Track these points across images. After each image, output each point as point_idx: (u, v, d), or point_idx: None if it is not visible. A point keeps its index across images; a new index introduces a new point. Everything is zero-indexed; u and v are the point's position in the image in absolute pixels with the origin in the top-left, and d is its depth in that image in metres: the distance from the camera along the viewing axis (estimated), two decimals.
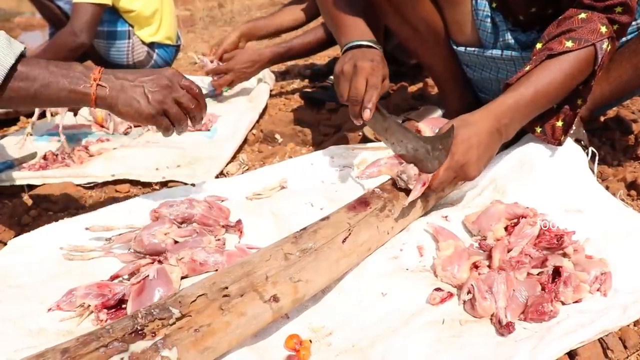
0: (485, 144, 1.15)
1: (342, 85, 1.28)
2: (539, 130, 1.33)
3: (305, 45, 2.40)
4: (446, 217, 1.23)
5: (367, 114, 1.21)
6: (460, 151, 1.12)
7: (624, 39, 1.36)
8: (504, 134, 1.20)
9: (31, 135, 1.52)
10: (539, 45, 1.26)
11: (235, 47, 2.44)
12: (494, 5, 1.45)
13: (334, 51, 3.47)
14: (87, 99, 1.11)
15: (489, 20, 1.47)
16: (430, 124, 1.37)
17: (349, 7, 1.45)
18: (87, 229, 1.23)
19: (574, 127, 1.32)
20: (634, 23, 1.36)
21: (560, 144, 1.32)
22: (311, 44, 2.41)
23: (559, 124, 1.31)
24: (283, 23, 2.61)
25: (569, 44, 1.19)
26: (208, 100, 2.39)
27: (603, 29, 1.20)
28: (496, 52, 1.50)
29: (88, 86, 1.10)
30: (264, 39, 2.71)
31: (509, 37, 1.47)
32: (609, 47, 1.21)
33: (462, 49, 1.58)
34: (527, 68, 1.22)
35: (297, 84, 2.82)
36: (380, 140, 1.65)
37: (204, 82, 2.70)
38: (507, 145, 1.41)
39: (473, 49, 1.55)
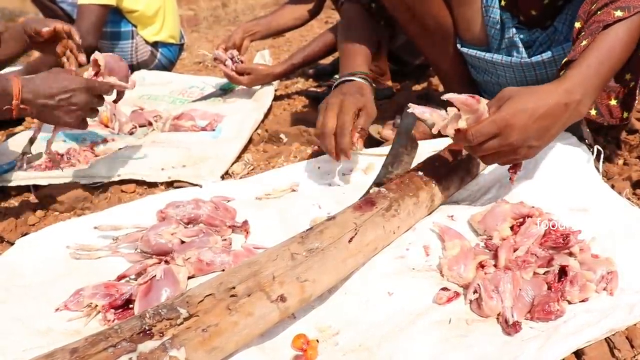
0: (545, 115, 1.05)
1: (318, 122, 1.39)
2: (594, 112, 1.26)
3: (314, 55, 2.43)
4: (452, 216, 1.23)
5: (344, 157, 1.34)
6: (510, 110, 1.03)
7: None
8: (576, 110, 1.09)
9: (28, 154, 1.58)
10: (578, 25, 1.19)
11: (240, 46, 2.45)
12: (502, 3, 1.45)
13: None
14: (8, 115, 1.26)
15: (497, 17, 1.47)
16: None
17: (356, 35, 1.57)
18: (95, 227, 1.24)
19: (637, 101, 1.24)
20: None
21: (622, 121, 1.26)
22: (319, 53, 2.44)
23: (613, 102, 1.26)
24: (287, 22, 2.62)
25: (618, 13, 1.12)
26: (214, 100, 2.40)
27: None
28: (497, 57, 1.50)
29: (10, 108, 1.25)
30: (267, 38, 2.72)
31: (514, 36, 1.47)
32: None
33: (465, 50, 1.58)
34: (585, 42, 1.14)
35: (301, 83, 2.82)
36: (385, 140, 1.65)
37: (206, 83, 2.71)
38: None
39: (475, 52, 1.55)
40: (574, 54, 1.14)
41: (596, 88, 1.12)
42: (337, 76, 1.50)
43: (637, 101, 1.24)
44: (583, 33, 1.16)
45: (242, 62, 2.38)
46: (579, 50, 1.14)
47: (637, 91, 1.23)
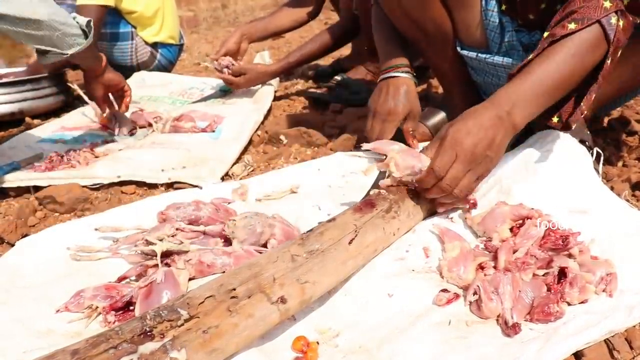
0: (486, 127, 1.11)
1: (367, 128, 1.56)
2: (556, 120, 1.28)
3: (311, 54, 2.44)
4: (451, 218, 1.23)
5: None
6: (454, 132, 1.11)
7: None
8: (509, 120, 1.14)
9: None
10: (545, 34, 1.20)
11: (238, 47, 2.45)
12: (503, 7, 1.46)
13: (337, 52, 3.48)
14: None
15: (497, 20, 1.47)
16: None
17: (387, 30, 1.63)
18: (96, 229, 1.24)
19: (584, 113, 1.25)
20: None
21: (567, 129, 1.28)
22: (316, 53, 2.44)
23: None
24: (285, 24, 2.63)
25: (572, 25, 1.14)
26: (214, 102, 2.41)
27: (607, 4, 1.13)
28: (497, 59, 1.51)
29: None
30: (265, 39, 2.73)
31: (514, 38, 1.48)
32: (621, 22, 1.14)
33: (465, 52, 1.58)
34: (530, 56, 1.18)
35: (301, 85, 2.82)
36: None
37: (206, 84, 2.72)
38: (513, 146, 1.42)
39: (475, 54, 1.55)
40: (516, 68, 1.19)
41: (531, 100, 1.15)
42: (385, 72, 1.60)
43: (582, 114, 1.23)
44: (539, 45, 1.19)
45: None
46: (521, 64, 1.18)
47: (587, 96, 1.21)
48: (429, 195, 1.16)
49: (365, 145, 1.25)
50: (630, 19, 1.17)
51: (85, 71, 1.85)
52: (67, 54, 1.57)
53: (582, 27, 1.13)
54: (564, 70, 1.15)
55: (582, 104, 1.21)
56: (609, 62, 1.16)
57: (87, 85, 1.92)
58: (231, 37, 2.46)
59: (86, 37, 1.61)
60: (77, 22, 1.57)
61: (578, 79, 1.19)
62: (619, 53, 1.19)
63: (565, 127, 1.27)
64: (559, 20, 1.18)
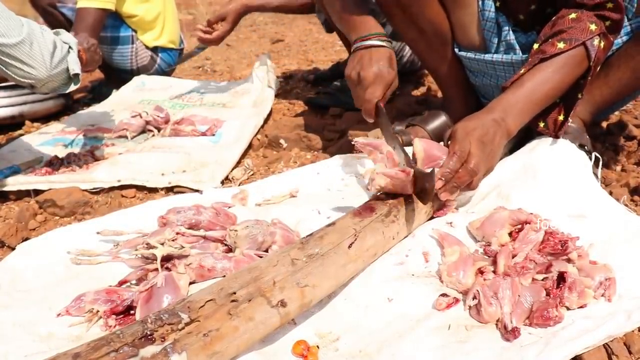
0: (485, 126, 1.24)
1: (351, 91, 1.47)
2: (542, 125, 1.39)
3: (284, 6, 2.54)
4: (451, 223, 1.23)
5: (369, 121, 1.44)
6: (460, 129, 1.24)
7: (619, 41, 1.39)
8: (503, 125, 1.27)
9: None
10: (535, 46, 1.34)
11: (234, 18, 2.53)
12: (497, 4, 1.47)
13: (337, 55, 3.49)
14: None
15: (493, 20, 1.49)
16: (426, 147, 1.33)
17: (357, 3, 1.54)
18: (98, 233, 1.24)
19: (570, 121, 1.38)
20: (627, 24, 1.38)
21: (557, 136, 1.38)
22: (291, 7, 2.55)
23: (561, 117, 1.37)
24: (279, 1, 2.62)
25: (561, 45, 1.28)
26: (214, 105, 2.42)
27: (592, 27, 1.27)
28: (497, 57, 1.51)
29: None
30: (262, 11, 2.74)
31: (511, 38, 1.49)
32: (602, 43, 1.29)
33: (463, 53, 1.59)
34: (522, 71, 1.31)
35: (300, 88, 2.83)
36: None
37: (205, 87, 2.73)
38: (511, 150, 1.43)
39: (474, 54, 1.56)
40: (509, 81, 1.33)
41: (522, 109, 1.31)
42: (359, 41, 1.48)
43: (568, 123, 1.38)
44: (529, 60, 1.32)
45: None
46: (514, 78, 1.32)
47: (572, 112, 1.36)
48: (454, 185, 1.20)
49: (357, 140, 1.34)
50: (611, 39, 1.31)
51: None
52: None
53: (570, 47, 1.28)
54: (552, 84, 1.30)
55: (569, 117, 1.36)
56: (589, 78, 1.32)
57: None
58: (231, 7, 2.49)
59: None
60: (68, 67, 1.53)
61: (562, 91, 1.34)
62: (604, 64, 1.38)
63: (556, 136, 1.38)
64: (549, 36, 1.31)
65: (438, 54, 1.65)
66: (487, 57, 1.53)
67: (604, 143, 1.71)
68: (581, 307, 0.95)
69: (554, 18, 1.34)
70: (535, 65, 1.30)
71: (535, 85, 1.29)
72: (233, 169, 1.74)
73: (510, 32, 1.49)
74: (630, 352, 0.88)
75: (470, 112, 1.60)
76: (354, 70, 1.43)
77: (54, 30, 1.52)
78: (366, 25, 1.49)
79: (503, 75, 1.55)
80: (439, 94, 2.34)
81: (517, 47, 1.49)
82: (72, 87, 1.56)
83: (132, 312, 1.01)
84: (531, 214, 1.15)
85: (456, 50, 1.61)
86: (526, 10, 1.47)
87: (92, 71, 1.81)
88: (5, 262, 1.19)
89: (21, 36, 1.34)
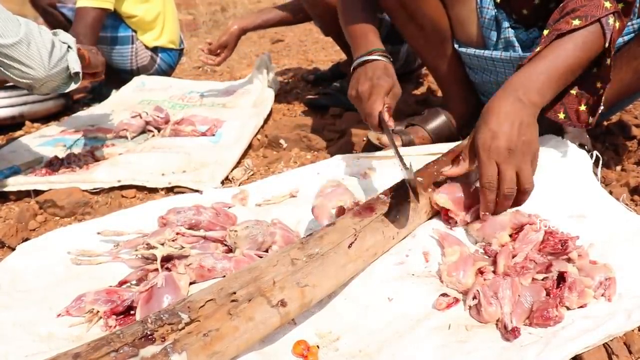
0: (508, 114, 1.13)
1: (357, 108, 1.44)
2: (562, 116, 1.30)
3: (277, 22, 2.62)
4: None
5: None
6: (480, 134, 1.13)
7: (621, 40, 1.36)
8: (526, 100, 1.16)
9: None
10: (546, 32, 1.24)
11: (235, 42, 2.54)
12: (498, 0, 1.47)
13: (337, 55, 3.50)
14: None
15: (492, 17, 1.48)
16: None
17: (359, 15, 1.53)
18: (98, 233, 1.24)
19: (601, 108, 1.28)
20: (630, 24, 1.36)
21: (588, 126, 1.29)
22: (280, 22, 2.62)
23: (582, 108, 1.29)
24: (276, 18, 2.65)
25: (576, 22, 1.19)
26: (214, 106, 2.42)
27: (607, 4, 1.19)
28: (496, 54, 1.51)
29: None
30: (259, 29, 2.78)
31: (511, 35, 1.48)
32: (617, 23, 1.20)
33: (463, 49, 1.59)
34: (538, 48, 1.21)
35: (300, 88, 2.83)
36: (384, 146, 1.66)
37: (205, 87, 2.73)
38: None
39: (474, 50, 1.56)
40: (525, 60, 1.22)
41: (544, 81, 1.18)
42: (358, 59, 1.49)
43: (600, 109, 1.27)
44: (543, 40, 1.23)
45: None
46: (531, 56, 1.21)
47: (602, 99, 1.26)
48: (502, 210, 1.15)
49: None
50: (624, 21, 1.22)
51: None
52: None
53: (586, 24, 1.18)
54: (573, 59, 1.20)
55: (601, 103, 1.26)
56: (608, 61, 1.21)
57: None
58: (231, 32, 2.50)
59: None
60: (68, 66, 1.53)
61: (582, 69, 1.23)
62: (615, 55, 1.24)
63: (587, 125, 1.29)
64: (560, 18, 1.22)
65: (437, 51, 1.65)
66: (487, 53, 1.53)
67: (604, 143, 1.71)
68: (581, 306, 0.95)
69: (562, 4, 1.25)
70: (553, 41, 1.21)
71: (558, 58, 1.19)
72: (233, 169, 1.74)
73: (510, 29, 1.48)
74: (630, 352, 0.88)
75: (470, 110, 1.61)
76: (352, 89, 1.43)
77: (52, 31, 1.51)
78: (365, 42, 1.50)
79: (503, 72, 1.55)
80: (439, 94, 2.35)
81: (517, 44, 1.49)
82: (73, 86, 1.55)
83: (132, 312, 1.01)
84: (531, 216, 1.15)
85: (456, 46, 1.61)
86: (530, 4, 1.45)
87: (101, 75, 1.76)
88: (6, 263, 1.19)
89: (18, 36, 1.34)
